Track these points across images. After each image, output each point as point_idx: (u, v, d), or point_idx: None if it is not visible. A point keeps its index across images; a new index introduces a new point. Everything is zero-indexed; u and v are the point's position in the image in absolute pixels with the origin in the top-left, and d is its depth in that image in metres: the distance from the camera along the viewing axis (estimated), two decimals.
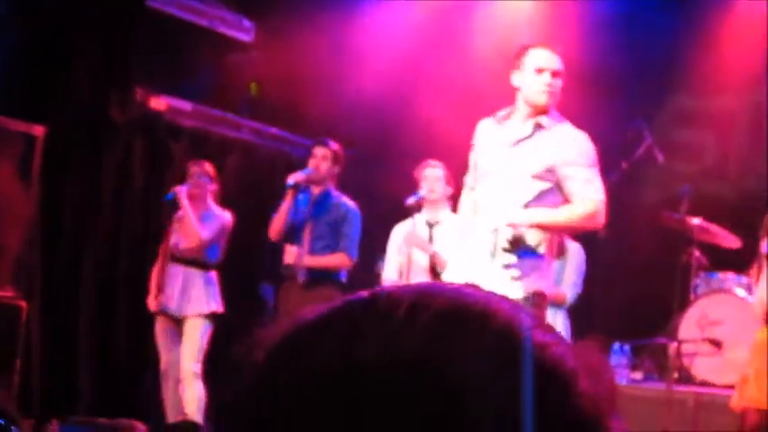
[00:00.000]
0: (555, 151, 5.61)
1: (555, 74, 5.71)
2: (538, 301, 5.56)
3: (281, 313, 8.01)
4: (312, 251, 7.98)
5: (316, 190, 8.09)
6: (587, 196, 5.58)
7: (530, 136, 5.68)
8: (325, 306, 0.95)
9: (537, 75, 5.69)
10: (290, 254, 8.02)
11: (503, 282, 5.48)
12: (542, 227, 5.59)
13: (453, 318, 0.90)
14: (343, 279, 8.11)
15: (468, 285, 0.97)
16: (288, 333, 0.93)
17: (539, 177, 5.62)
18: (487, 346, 0.89)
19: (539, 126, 5.69)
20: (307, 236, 7.98)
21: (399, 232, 8.11)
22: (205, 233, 8.19)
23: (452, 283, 0.97)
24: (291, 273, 7.98)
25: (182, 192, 8.22)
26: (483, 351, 0.89)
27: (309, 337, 0.92)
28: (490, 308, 0.92)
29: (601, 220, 5.60)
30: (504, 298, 0.95)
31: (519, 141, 5.70)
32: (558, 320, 7.30)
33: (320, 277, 7.97)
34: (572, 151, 5.63)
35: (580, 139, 5.71)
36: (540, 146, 5.64)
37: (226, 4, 9.96)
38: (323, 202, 8.07)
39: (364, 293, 0.95)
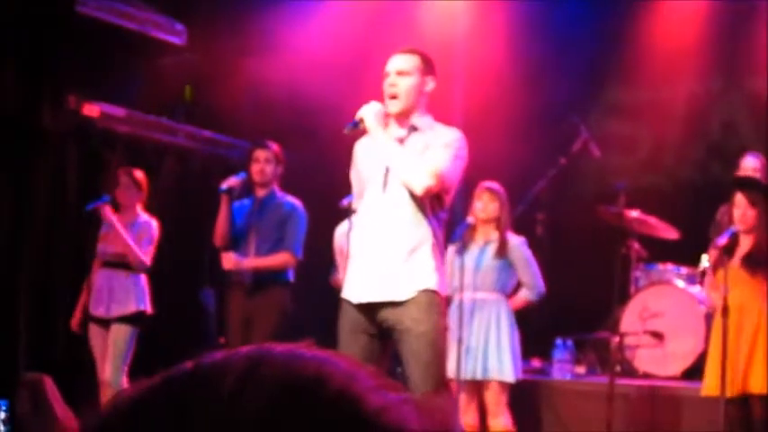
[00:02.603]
0: (425, 147, 5.49)
1: (399, 73, 5.55)
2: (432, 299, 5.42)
3: (229, 319, 7.90)
4: (258, 254, 7.87)
5: (261, 193, 7.99)
6: (434, 160, 5.40)
7: (404, 138, 5.55)
8: (144, 383, 0.90)
9: (384, 80, 5.59)
10: (228, 260, 7.89)
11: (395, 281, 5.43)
12: (396, 165, 5.45)
13: (285, 390, 0.87)
14: (291, 279, 7.99)
15: (303, 346, 0.93)
16: (108, 416, 0.88)
17: None
18: (322, 418, 0.86)
19: (413, 128, 5.56)
20: (252, 240, 7.88)
21: (338, 235, 7.98)
22: (138, 248, 8.12)
23: (285, 347, 0.93)
24: (237, 278, 7.87)
25: (104, 207, 8.14)
26: (317, 424, 0.86)
27: (129, 420, 0.87)
28: (324, 375, 0.89)
29: (429, 183, 5.35)
30: (341, 358, 0.91)
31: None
32: (502, 316, 7.33)
33: (266, 279, 7.84)
34: (439, 141, 5.50)
35: (449, 133, 5.57)
36: (412, 147, 5.50)
37: (157, 8, 9.83)
38: (268, 204, 7.98)
39: (187, 365, 0.90)
